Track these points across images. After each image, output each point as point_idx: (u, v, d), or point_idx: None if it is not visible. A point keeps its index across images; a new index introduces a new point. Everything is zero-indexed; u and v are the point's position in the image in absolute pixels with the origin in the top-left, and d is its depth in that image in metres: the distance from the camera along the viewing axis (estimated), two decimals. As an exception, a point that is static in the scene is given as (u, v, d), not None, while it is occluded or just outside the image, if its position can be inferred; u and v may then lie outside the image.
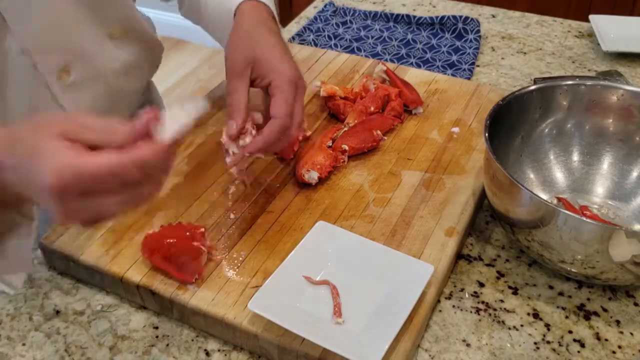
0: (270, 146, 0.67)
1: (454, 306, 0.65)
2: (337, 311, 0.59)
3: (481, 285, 0.67)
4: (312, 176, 0.74)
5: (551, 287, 0.66)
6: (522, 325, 0.63)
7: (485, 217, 0.75)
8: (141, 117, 0.47)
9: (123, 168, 0.45)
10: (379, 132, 0.80)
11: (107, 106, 0.81)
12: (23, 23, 0.66)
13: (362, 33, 1.16)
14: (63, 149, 0.45)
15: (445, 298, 0.65)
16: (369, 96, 0.86)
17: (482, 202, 0.76)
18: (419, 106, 0.87)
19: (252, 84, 0.70)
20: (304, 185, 0.75)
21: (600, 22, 1.12)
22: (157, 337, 0.63)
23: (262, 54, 0.69)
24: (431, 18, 1.16)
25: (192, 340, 0.62)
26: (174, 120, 0.48)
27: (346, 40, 1.14)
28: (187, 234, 0.64)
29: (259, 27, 0.72)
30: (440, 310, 0.64)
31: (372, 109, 0.84)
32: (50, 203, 0.46)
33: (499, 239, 0.72)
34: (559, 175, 0.76)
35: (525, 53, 1.09)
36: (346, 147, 0.78)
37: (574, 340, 0.61)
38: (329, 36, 1.15)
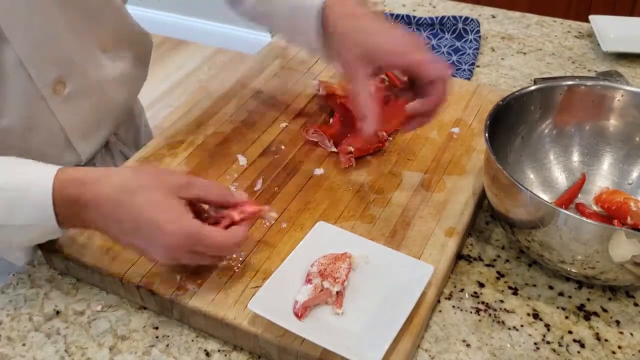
0: (432, 113, 0.68)
1: (454, 306, 0.65)
2: (339, 301, 0.59)
3: (481, 285, 0.67)
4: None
5: (551, 288, 0.66)
6: (522, 326, 0.63)
7: (485, 218, 0.75)
8: (246, 203, 0.62)
9: (226, 247, 0.59)
10: (384, 133, 0.80)
11: (99, 117, 0.81)
12: (20, 34, 0.65)
13: (362, 33, 1.16)
14: (185, 215, 0.57)
15: (445, 298, 0.65)
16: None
17: (482, 203, 0.76)
18: None
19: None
20: (305, 184, 0.75)
21: (600, 23, 1.12)
22: (157, 337, 0.63)
23: (378, 45, 0.67)
24: (431, 18, 1.16)
25: (192, 340, 0.62)
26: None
27: (346, 40, 1.14)
28: None
29: (362, 19, 0.69)
30: (440, 311, 0.64)
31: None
32: (159, 253, 0.58)
33: (499, 239, 0.72)
34: (559, 176, 0.76)
35: (525, 53, 1.09)
36: (352, 149, 0.78)
37: (574, 340, 0.61)
38: (329, 36, 1.15)
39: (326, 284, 0.59)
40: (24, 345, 0.62)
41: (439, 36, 1.14)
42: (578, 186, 0.74)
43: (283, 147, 0.82)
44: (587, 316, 0.64)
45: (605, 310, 0.64)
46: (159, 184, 0.58)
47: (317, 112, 0.89)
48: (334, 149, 0.80)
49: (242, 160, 0.79)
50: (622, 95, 0.73)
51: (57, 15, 0.69)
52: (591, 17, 1.13)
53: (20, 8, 0.65)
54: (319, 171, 0.77)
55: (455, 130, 0.84)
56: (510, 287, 0.66)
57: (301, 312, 0.58)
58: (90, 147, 0.80)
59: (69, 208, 0.58)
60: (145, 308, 0.65)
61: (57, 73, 0.71)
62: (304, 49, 0.78)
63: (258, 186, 0.75)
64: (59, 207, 0.58)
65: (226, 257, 0.65)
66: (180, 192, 0.58)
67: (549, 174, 0.76)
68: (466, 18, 1.13)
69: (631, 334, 0.62)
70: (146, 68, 0.91)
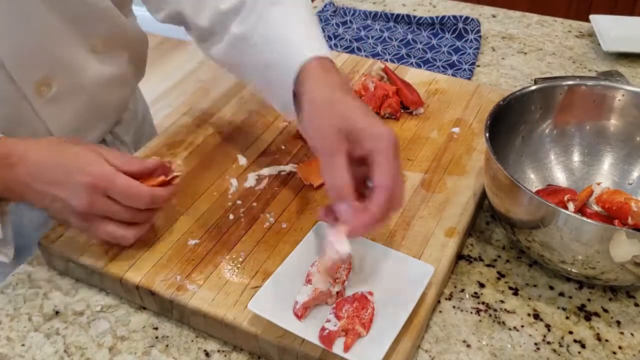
0: (380, 222, 0.57)
1: (454, 307, 0.64)
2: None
3: (481, 285, 0.67)
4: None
5: (552, 288, 0.66)
6: (522, 326, 0.62)
7: (485, 218, 0.75)
8: (153, 161, 0.64)
9: (142, 194, 0.61)
10: None
11: (90, 118, 0.80)
12: (0, 35, 0.65)
13: (362, 33, 1.16)
14: (104, 163, 0.61)
15: (446, 299, 0.65)
16: (367, 95, 0.86)
17: (482, 203, 0.76)
18: (420, 107, 0.87)
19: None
20: (304, 186, 0.75)
21: (601, 22, 1.12)
22: (156, 337, 0.63)
23: (355, 122, 0.58)
24: (431, 18, 1.16)
25: (192, 340, 0.62)
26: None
27: (346, 40, 1.14)
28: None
29: (339, 91, 0.61)
30: (440, 311, 0.64)
31: (371, 108, 0.84)
32: (77, 202, 0.60)
33: (500, 240, 0.72)
34: (559, 176, 0.76)
35: (525, 53, 1.09)
36: None
37: (575, 340, 0.61)
38: (329, 36, 1.15)
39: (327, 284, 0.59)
40: (23, 345, 0.62)
41: (439, 36, 1.14)
42: (586, 195, 0.72)
43: (283, 147, 0.82)
44: (588, 316, 0.63)
45: (605, 311, 0.64)
46: (84, 144, 0.63)
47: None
48: None
49: (242, 160, 0.79)
50: (623, 95, 0.73)
51: (42, 17, 0.68)
52: (592, 17, 1.13)
53: (2, 9, 0.64)
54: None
55: (456, 130, 0.84)
56: (510, 288, 0.66)
57: (301, 313, 0.58)
58: None
59: (3, 167, 0.61)
60: (145, 308, 0.65)
61: (42, 74, 0.71)
62: (276, 107, 0.70)
63: (258, 186, 0.75)
64: None
65: (141, 224, 0.64)
66: (100, 153, 0.62)
67: (549, 174, 0.76)
68: (466, 18, 1.13)
69: (632, 334, 0.62)
70: (142, 68, 0.90)
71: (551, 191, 0.72)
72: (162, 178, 0.64)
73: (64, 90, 0.74)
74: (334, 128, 0.58)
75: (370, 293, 0.59)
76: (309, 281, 0.60)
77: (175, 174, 0.65)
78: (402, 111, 0.87)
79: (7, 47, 0.66)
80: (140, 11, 0.87)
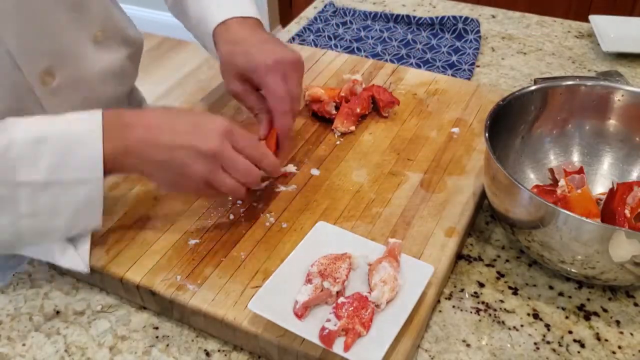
0: (286, 131, 0.73)
1: (454, 306, 0.65)
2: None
3: (481, 285, 0.67)
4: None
5: (551, 288, 0.66)
6: (522, 326, 0.63)
7: (485, 218, 0.75)
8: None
9: (262, 148, 0.67)
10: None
11: (89, 109, 0.80)
12: (8, 24, 0.65)
13: (362, 33, 1.16)
14: (230, 124, 0.64)
15: (445, 298, 0.65)
16: (353, 99, 0.86)
17: (482, 203, 0.76)
18: (393, 107, 0.87)
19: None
20: (305, 183, 0.75)
21: (600, 23, 1.12)
22: (157, 337, 0.63)
23: (243, 62, 0.73)
24: (431, 18, 1.16)
25: (192, 340, 0.62)
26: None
27: (346, 40, 1.14)
28: None
29: (246, 33, 0.76)
30: (440, 311, 0.64)
31: (359, 110, 0.84)
32: (210, 141, 0.61)
33: (499, 240, 0.72)
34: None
35: (525, 53, 1.09)
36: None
37: (574, 340, 0.61)
38: (329, 36, 1.15)
39: (326, 284, 0.59)
40: (24, 345, 0.62)
41: (439, 36, 1.14)
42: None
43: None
44: (587, 316, 0.64)
45: (605, 310, 0.64)
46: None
47: (309, 121, 0.88)
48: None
49: (242, 160, 0.79)
50: (622, 95, 0.73)
51: (46, 5, 0.69)
52: (591, 17, 1.13)
53: None
54: (315, 172, 0.77)
55: (455, 130, 0.84)
56: (510, 287, 0.66)
57: (301, 312, 0.58)
58: None
59: (116, 131, 0.60)
60: (145, 308, 0.65)
61: (46, 64, 0.71)
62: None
63: (258, 186, 0.75)
64: (107, 138, 0.59)
65: (244, 193, 0.66)
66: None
67: (549, 174, 0.76)
68: (466, 18, 1.13)
69: (631, 334, 0.62)
70: (136, 67, 0.91)
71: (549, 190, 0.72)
72: (274, 142, 0.73)
73: (66, 81, 0.74)
74: (230, 74, 0.75)
75: (369, 292, 0.59)
76: (309, 281, 0.60)
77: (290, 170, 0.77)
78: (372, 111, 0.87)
79: (14, 35, 0.66)
80: (140, 11, 0.87)
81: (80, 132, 0.59)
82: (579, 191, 0.67)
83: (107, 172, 0.60)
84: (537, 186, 0.73)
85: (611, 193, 0.69)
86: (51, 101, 0.73)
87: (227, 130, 0.62)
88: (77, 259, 0.64)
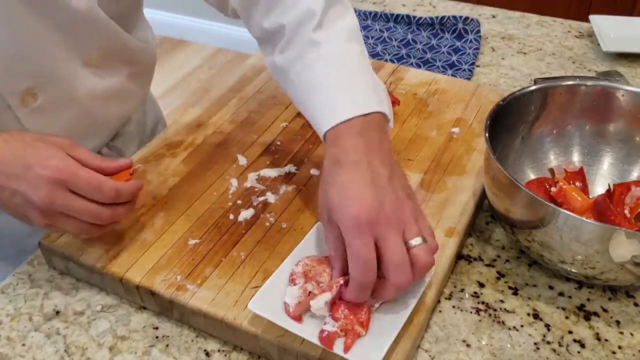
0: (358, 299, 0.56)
1: (454, 307, 0.65)
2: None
3: (481, 285, 0.67)
4: None
5: (551, 288, 0.66)
6: (522, 326, 0.63)
7: (485, 218, 0.75)
8: (120, 161, 0.65)
9: (106, 187, 0.60)
10: None
11: (82, 130, 0.77)
12: None
13: (362, 33, 1.16)
14: (67, 157, 0.60)
15: (445, 298, 0.65)
16: None
17: (482, 203, 0.76)
18: (393, 107, 0.86)
19: None
20: (305, 183, 0.75)
21: (601, 22, 1.12)
22: (157, 337, 0.63)
23: (331, 203, 0.56)
24: (431, 18, 1.16)
25: (192, 340, 0.62)
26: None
27: (346, 40, 1.14)
28: None
29: (339, 164, 0.58)
30: (440, 311, 0.64)
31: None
32: (38, 192, 0.58)
33: (499, 240, 0.72)
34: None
35: (525, 53, 1.09)
36: None
37: (574, 340, 0.61)
38: (329, 36, 1.15)
39: (309, 287, 0.59)
40: (23, 345, 0.62)
41: (439, 36, 1.14)
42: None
43: (283, 147, 0.82)
44: (587, 316, 0.64)
45: (605, 311, 0.64)
46: (48, 138, 0.62)
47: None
48: None
49: (242, 160, 0.79)
50: (622, 95, 0.73)
51: (28, 25, 0.65)
52: (591, 17, 1.13)
53: None
54: (314, 172, 0.77)
55: (455, 130, 0.84)
56: (510, 287, 0.66)
57: (297, 314, 0.57)
58: None
59: None
60: (145, 308, 0.65)
61: (27, 84, 0.68)
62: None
63: (258, 186, 0.75)
64: None
65: (105, 226, 0.63)
66: (65, 148, 0.61)
67: (549, 174, 0.76)
68: (466, 18, 1.13)
69: (631, 334, 0.62)
70: (146, 84, 0.87)
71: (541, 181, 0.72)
72: (127, 175, 0.64)
73: (51, 101, 0.71)
74: (322, 203, 0.59)
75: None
76: (292, 281, 0.60)
77: (136, 167, 0.66)
78: None
79: None
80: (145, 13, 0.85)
81: None
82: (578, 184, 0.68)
83: None
84: (534, 180, 0.73)
85: (608, 194, 0.69)
86: (33, 119, 0.70)
87: (56, 175, 0.58)
88: None
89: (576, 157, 0.77)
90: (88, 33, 0.72)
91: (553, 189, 0.69)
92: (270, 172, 0.77)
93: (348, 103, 0.60)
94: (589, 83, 0.74)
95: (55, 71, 0.70)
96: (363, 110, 0.60)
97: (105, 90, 0.77)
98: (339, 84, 0.62)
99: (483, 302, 0.65)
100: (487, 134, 0.66)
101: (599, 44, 1.07)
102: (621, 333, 0.62)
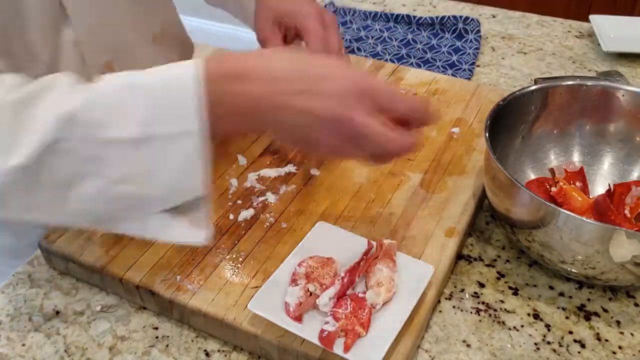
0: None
1: (454, 307, 0.64)
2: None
3: (481, 285, 0.67)
4: None
5: (551, 288, 0.66)
6: (522, 326, 0.62)
7: (485, 218, 0.75)
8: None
9: (412, 103, 0.51)
10: None
11: None
12: (81, 14, 0.67)
13: (362, 33, 1.16)
14: (364, 75, 0.51)
15: (446, 298, 0.65)
16: None
17: (482, 203, 0.76)
18: None
19: (285, 42, 0.76)
20: (305, 183, 0.75)
21: (601, 22, 1.12)
22: (157, 337, 0.63)
23: (285, 7, 0.74)
24: (431, 18, 1.16)
25: (192, 340, 0.62)
26: None
27: (346, 40, 1.14)
28: None
29: None
30: (440, 311, 0.64)
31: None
32: (337, 106, 0.48)
33: (499, 240, 0.72)
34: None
35: (525, 53, 1.09)
36: None
37: (575, 340, 0.61)
38: (329, 36, 1.15)
39: (311, 288, 0.59)
40: (23, 345, 0.62)
41: (439, 36, 1.14)
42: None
43: (283, 147, 0.81)
44: (588, 316, 0.64)
45: (605, 311, 0.64)
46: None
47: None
48: None
49: (242, 161, 0.79)
50: (623, 95, 0.73)
51: None
52: (591, 17, 1.13)
53: None
54: (314, 172, 0.77)
55: (455, 130, 0.84)
56: (510, 287, 0.66)
57: (297, 314, 0.57)
58: None
59: (225, 85, 0.49)
60: (145, 308, 0.65)
61: (108, 57, 0.72)
62: (233, 14, 0.84)
63: (258, 186, 0.75)
64: (211, 91, 0.47)
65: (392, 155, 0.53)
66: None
67: (549, 174, 0.76)
68: (466, 18, 1.13)
69: (632, 334, 0.62)
70: None
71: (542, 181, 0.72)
72: None
73: None
74: (268, 19, 0.74)
75: (364, 292, 0.59)
76: (294, 281, 0.60)
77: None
78: None
79: (84, 26, 0.68)
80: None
81: (181, 76, 0.48)
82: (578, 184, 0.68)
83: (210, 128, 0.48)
84: (534, 180, 0.73)
85: (608, 194, 0.69)
86: None
87: (362, 83, 0.49)
88: (188, 230, 0.53)
89: (576, 157, 0.77)
90: (155, 6, 0.79)
91: (553, 189, 0.69)
92: (270, 172, 0.77)
93: None
94: (589, 83, 0.74)
95: (131, 46, 0.75)
96: None
97: None
98: None
99: (483, 302, 0.65)
100: (487, 134, 0.66)
101: (599, 44, 1.07)
102: (621, 333, 0.62)
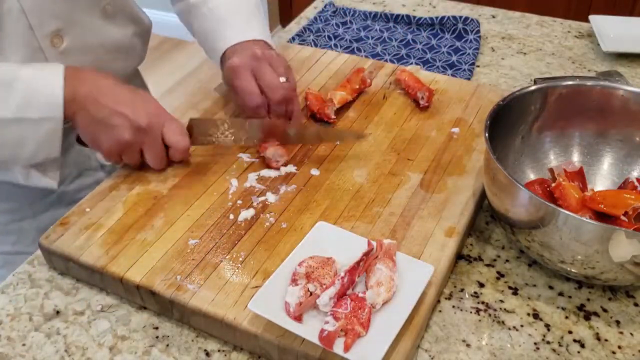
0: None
1: (454, 306, 0.65)
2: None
3: (481, 285, 0.67)
4: None
5: (551, 288, 0.66)
6: (522, 326, 0.63)
7: (485, 218, 0.75)
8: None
9: (185, 141, 0.77)
10: (365, 75, 0.89)
11: None
12: None
13: (362, 33, 1.16)
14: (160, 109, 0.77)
15: (445, 298, 0.65)
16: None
17: (482, 203, 0.76)
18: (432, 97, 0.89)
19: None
20: (305, 184, 0.75)
21: (600, 23, 1.12)
22: (157, 337, 0.63)
23: (229, 62, 0.81)
24: (431, 18, 1.16)
25: (192, 340, 0.62)
26: None
27: (346, 40, 1.14)
28: None
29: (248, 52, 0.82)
30: (440, 311, 0.64)
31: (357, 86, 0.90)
32: (140, 116, 0.72)
33: (499, 240, 0.72)
34: (559, 176, 0.76)
35: (525, 53, 1.09)
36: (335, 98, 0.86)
37: (574, 340, 0.61)
38: (329, 36, 1.15)
39: (311, 287, 0.59)
40: (24, 345, 0.62)
41: (439, 36, 1.14)
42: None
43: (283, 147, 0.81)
44: (587, 316, 0.64)
45: (605, 310, 0.64)
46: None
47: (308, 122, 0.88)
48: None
49: (242, 161, 0.79)
50: (622, 95, 0.73)
51: None
52: (591, 17, 1.13)
53: None
54: (314, 172, 0.77)
55: (455, 130, 0.84)
56: (510, 287, 0.66)
57: (297, 314, 0.58)
58: None
59: (72, 81, 0.69)
60: (145, 308, 0.65)
61: (56, 26, 0.75)
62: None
63: (258, 186, 0.75)
64: (68, 85, 0.68)
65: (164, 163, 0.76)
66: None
67: (549, 174, 0.76)
68: (466, 18, 1.13)
69: (631, 334, 0.62)
70: (144, 47, 0.94)
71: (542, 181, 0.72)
72: None
73: (74, 45, 0.78)
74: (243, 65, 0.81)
75: (364, 292, 0.59)
76: (294, 281, 0.60)
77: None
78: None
79: None
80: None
81: (46, 77, 0.69)
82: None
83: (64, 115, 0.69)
84: (534, 181, 0.73)
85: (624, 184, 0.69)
86: (59, 62, 0.75)
87: (158, 113, 0.73)
88: (43, 179, 0.76)
89: (576, 157, 0.77)
90: None
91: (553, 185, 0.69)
92: (270, 172, 0.77)
93: (248, 30, 0.85)
94: (589, 83, 0.74)
95: (79, 16, 0.78)
96: (255, 37, 0.84)
97: (116, 42, 0.85)
98: (241, 18, 0.87)
99: (483, 302, 0.65)
100: (487, 134, 0.66)
101: (598, 44, 1.07)
102: (621, 333, 0.62)
